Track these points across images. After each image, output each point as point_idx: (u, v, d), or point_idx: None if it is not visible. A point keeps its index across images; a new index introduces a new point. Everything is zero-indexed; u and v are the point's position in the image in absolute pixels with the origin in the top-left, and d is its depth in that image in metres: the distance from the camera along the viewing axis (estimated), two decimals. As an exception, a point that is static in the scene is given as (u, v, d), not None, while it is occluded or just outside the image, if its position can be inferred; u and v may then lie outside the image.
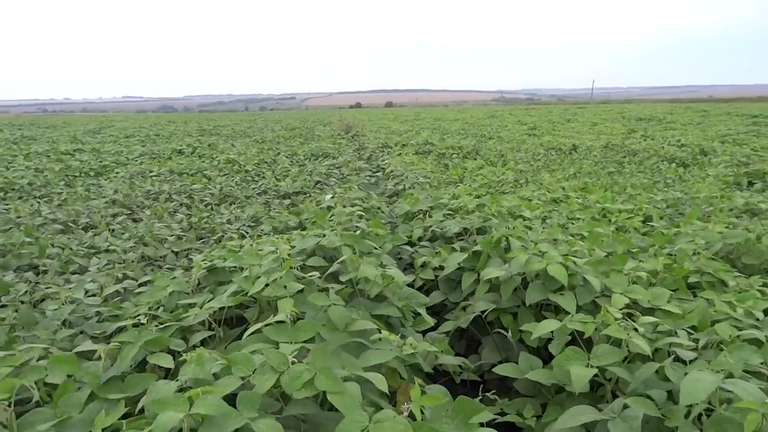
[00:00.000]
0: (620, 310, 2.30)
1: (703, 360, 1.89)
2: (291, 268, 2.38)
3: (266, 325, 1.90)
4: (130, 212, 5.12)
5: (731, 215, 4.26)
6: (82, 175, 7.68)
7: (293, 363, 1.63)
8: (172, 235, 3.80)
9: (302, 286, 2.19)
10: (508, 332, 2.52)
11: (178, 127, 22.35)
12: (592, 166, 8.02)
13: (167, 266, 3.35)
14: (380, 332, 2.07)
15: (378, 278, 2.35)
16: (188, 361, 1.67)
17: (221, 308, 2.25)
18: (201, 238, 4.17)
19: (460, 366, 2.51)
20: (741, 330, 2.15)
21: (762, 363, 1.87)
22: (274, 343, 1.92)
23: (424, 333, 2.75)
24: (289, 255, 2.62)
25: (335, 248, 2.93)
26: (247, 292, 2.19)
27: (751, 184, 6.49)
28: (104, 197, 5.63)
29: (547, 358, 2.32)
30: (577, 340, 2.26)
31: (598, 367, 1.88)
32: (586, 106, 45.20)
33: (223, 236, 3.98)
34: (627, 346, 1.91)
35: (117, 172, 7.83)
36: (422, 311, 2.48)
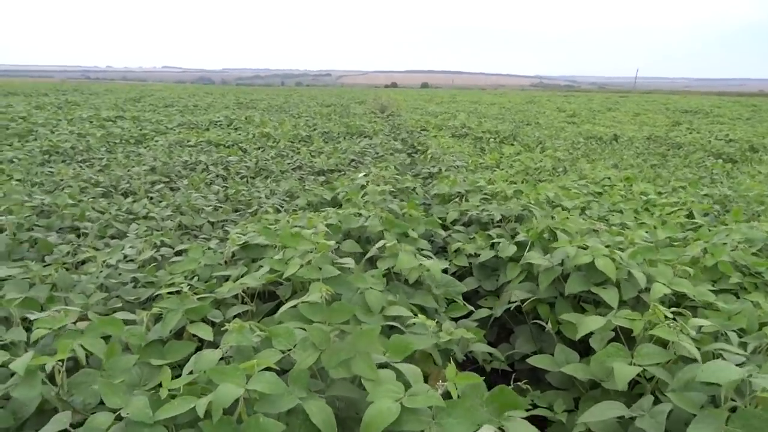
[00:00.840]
0: (663, 304, 2.22)
1: (752, 364, 1.80)
2: (326, 250, 2.37)
3: (301, 303, 1.90)
4: (168, 180, 5.20)
5: (783, 216, 4.06)
6: (123, 141, 7.83)
7: (334, 342, 1.62)
8: (209, 206, 3.83)
9: (338, 272, 2.17)
10: (547, 323, 2.47)
11: (215, 99, 22.58)
12: (634, 157, 7.76)
13: (203, 236, 3.38)
14: (416, 317, 2.05)
15: (415, 269, 2.32)
16: (229, 330, 1.68)
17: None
18: (237, 210, 4.20)
19: (490, 354, 2.47)
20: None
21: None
22: (308, 321, 1.91)
23: (456, 320, 2.72)
24: (324, 238, 2.61)
25: (376, 233, 2.91)
26: (281, 273, 2.18)
27: (804, 184, 6.18)
28: (144, 165, 5.73)
29: (582, 352, 2.26)
30: (619, 336, 2.20)
31: (640, 366, 1.82)
32: (629, 96, 43.77)
33: (258, 209, 4.00)
34: (674, 348, 1.83)
35: (156, 141, 7.96)
36: (458, 299, 2.44)
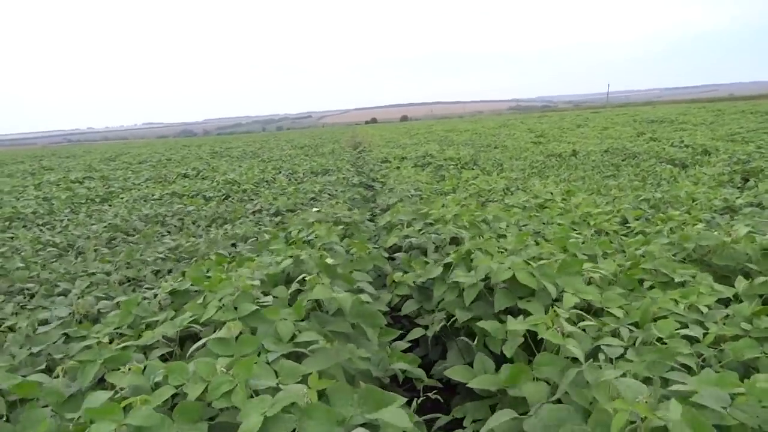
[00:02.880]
0: (570, 310, 2.35)
1: (630, 356, 1.92)
2: (249, 290, 2.48)
3: (210, 339, 2.00)
4: (126, 236, 5.31)
5: (710, 213, 4.24)
6: (88, 201, 7.95)
7: (221, 373, 1.72)
8: (156, 258, 3.94)
9: (255, 307, 2.28)
10: (474, 340, 2.58)
11: (191, 151, 22.85)
12: (588, 170, 8.00)
13: (147, 286, 3.48)
14: (325, 341, 2.15)
15: (332, 300, 2.44)
16: (126, 372, 1.77)
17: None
18: (185, 259, 4.31)
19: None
20: (682, 326, 2.18)
21: (693, 356, 1.90)
22: (217, 356, 2.01)
23: (391, 342, 2.81)
24: (250, 281, 2.72)
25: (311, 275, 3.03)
26: (200, 317, 2.29)
27: (745, 181, 6.41)
28: (103, 222, 5.84)
29: (509, 359, 2.36)
30: (527, 339, 2.31)
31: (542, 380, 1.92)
32: (602, 111, 44.84)
33: (205, 256, 4.11)
34: (564, 353, 1.95)
35: (122, 198, 8.09)
36: (370, 331, 2.53)
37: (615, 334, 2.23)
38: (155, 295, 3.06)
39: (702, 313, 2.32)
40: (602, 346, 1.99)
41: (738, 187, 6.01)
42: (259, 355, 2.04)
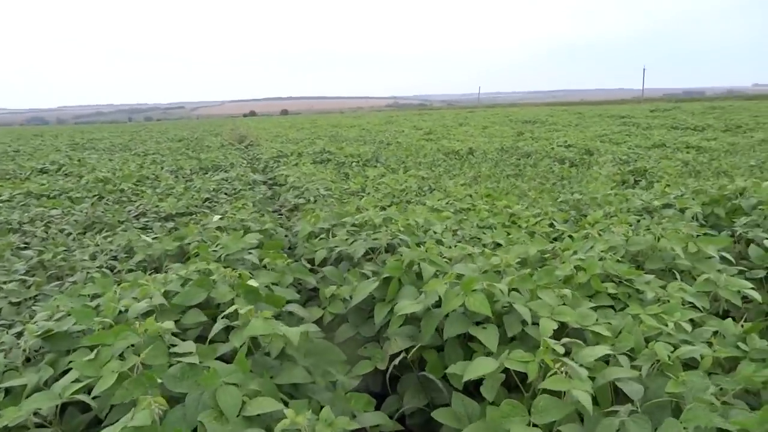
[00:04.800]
0: (553, 336, 2.06)
1: (662, 405, 1.66)
2: (160, 337, 1.85)
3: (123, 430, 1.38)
4: (-36, 250, 4.15)
5: (630, 214, 4.30)
6: None
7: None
8: (12, 281, 3.02)
9: (179, 370, 1.66)
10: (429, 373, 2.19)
11: (44, 142, 19.94)
12: (490, 169, 8.07)
13: (1, 323, 2.62)
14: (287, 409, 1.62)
15: (275, 338, 1.90)
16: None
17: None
18: (58, 279, 3.42)
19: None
20: (676, 347, 1.99)
21: (719, 388, 1.69)
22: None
23: (333, 383, 2.34)
24: (159, 312, 2.08)
25: (227, 303, 2.42)
26: (92, 384, 1.63)
27: (636, 182, 6.82)
28: (-70, 233, 4.56)
29: (480, 398, 2.01)
30: (511, 377, 1.98)
31: (541, 427, 1.58)
32: (476, 110, 47.28)
33: (86, 276, 3.27)
34: (569, 398, 1.64)
35: (-45, 199, 6.54)
36: (333, 370, 2.05)
37: (608, 362, 1.98)
38: (18, 337, 2.26)
39: (687, 331, 2.15)
40: (619, 384, 1.71)
41: (633, 186, 6.34)
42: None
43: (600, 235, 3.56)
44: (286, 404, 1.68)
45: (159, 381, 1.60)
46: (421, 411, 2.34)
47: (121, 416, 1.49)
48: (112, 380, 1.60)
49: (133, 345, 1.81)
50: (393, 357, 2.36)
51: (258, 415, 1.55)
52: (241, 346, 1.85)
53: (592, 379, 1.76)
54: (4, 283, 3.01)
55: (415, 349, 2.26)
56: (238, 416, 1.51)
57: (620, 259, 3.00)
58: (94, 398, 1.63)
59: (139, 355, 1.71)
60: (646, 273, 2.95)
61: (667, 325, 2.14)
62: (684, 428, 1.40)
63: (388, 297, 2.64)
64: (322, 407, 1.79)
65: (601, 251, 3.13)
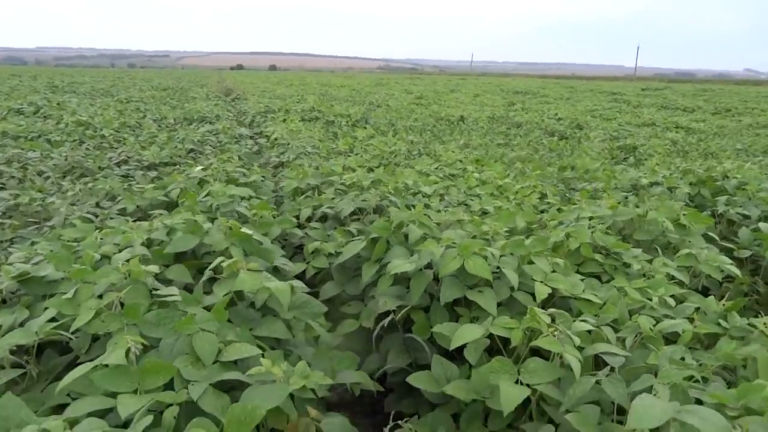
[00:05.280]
0: (540, 304, 2.07)
1: (639, 371, 1.67)
2: (141, 280, 1.80)
3: (96, 368, 1.35)
4: (-64, 188, 4.01)
5: (618, 191, 4.31)
6: None
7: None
8: (-13, 222, 2.92)
9: (149, 310, 1.63)
10: (416, 334, 2.19)
11: (23, 82, 19.24)
12: (481, 137, 8.01)
13: (-24, 265, 2.53)
14: (263, 358, 1.60)
15: (261, 291, 1.86)
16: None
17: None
18: (36, 223, 3.32)
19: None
20: (658, 321, 2.02)
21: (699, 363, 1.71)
22: (110, 394, 1.38)
23: (317, 338, 2.34)
24: (143, 260, 2.03)
25: (222, 250, 2.36)
26: (70, 321, 1.59)
27: (625, 158, 6.83)
28: None
29: (458, 358, 2.02)
30: (495, 342, 1.98)
31: (529, 386, 1.60)
32: (467, 78, 46.76)
33: (64, 221, 3.18)
34: (561, 359, 1.64)
35: (-73, 136, 6.27)
36: (316, 325, 2.04)
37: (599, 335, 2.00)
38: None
39: (671, 306, 2.18)
40: (603, 354, 1.72)
41: (622, 162, 6.35)
42: (172, 388, 1.44)
43: (585, 205, 3.56)
44: (263, 351, 1.66)
45: (134, 323, 1.57)
46: (403, 369, 2.35)
47: (99, 355, 1.46)
48: (89, 316, 1.57)
49: (113, 284, 1.77)
50: (381, 316, 2.35)
51: (235, 362, 1.54)
52: (224, 296, 1.82)
53: (581, 350, 1.77)
54: (-21, 223, 2.92)
55: (405, 310, 2.25)
56: (214, 363, 1.49)
57: (608, 230, 3.00)
58: (73, 334, 1.59)
59: (111, 306, 1.67)
60: (633, 245, 2.98)
61: (651, 300, 2.16)
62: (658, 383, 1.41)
63: (375, 256, 2.61)
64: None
65: (589, 220, 3.15)
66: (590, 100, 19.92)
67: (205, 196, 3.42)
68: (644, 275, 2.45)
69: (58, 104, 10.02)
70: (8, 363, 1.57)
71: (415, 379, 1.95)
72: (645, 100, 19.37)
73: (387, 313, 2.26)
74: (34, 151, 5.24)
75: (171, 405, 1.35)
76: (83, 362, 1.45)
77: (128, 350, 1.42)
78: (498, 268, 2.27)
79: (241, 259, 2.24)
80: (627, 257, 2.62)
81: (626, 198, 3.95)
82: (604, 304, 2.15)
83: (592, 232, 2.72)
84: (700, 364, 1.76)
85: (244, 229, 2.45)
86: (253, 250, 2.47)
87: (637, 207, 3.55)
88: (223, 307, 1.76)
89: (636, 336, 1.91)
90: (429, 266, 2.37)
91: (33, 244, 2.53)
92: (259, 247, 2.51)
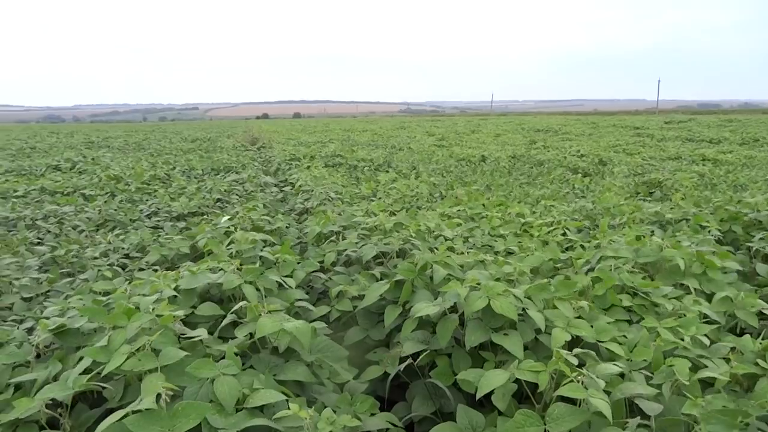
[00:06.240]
0: (563, 348, 2.02)
1: (677, 423, 1.62)
2: (170, 324, 1.85)
3: (127, 415, 1.38)
4: (-21, 244, 4.19)
5: (643, 225, 4.24)
6: (-76, 198, 6.39)
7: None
8: (24, 277, 3.03)
9: (183, 353, 1.67)
10: (438, 379, 2.16)
11: (60, 139, 20.19)
12: (504, 177, 8.03)
13: (13, 317, 2.63)
14: (288, 404, 1.61)
15: (282, 333, 1.88)
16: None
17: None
18: (70, 275, 3.43)
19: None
20: (692, 362, 1.95)
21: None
22: (140, 440, 1.40)
23: (342, 385, 2.33)
24: (169, 304, 2.08)
25: (233, 289, 2.42)
26: (101, 371, 1.63)
27: (650, 193, 6.74)
28: (-53, 226, 4.61)
29: (489, 406, 1.98)
30: (522, 387, 1.94)
31: (556, 435, 1.55)
32: (488, 118, 47.24)
33: (96, 273, 3.28)
34: (586, 405, 1.60)
35: (-28, 193, 6.61)
36: (339, 368, 2.04)
37: (625, 378, 1.94)
38: (29, 333, 2.27)
39: (705, 346, 2.11)
40: (636, 401, 1.67)
41: (647, 199, 6.26)
42: (200, 432, 1.46)
43: (611, 243, 3.51)
44: (287, 397, 1.67)
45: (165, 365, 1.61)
46: (430, 419, 2.31)
47: (131, 402, 1.50)
48: (122, 360, 1.61)
49: (144, 329, 1.83)
50: (401, 361, 2.34)
51: (261, 409, 1.55)
52: (249, 340, 1.85)
53: (608, 393, 1.72)
54: (16, 279, 3.03)
55: (425, 353, 2.23)
56: (241, 410, 1.50)
57: (633, 269, 2.94)
58: (105, 384, 1.63)
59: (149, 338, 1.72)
60: (656, 279, 2.91)
61: (683, 339, 2.10)
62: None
63: (402, 299, 2.62)
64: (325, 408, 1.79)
65: (613, 261, 3.09)
66: (613, 135, 19.84)
67: (229, 245, 3.49)
68: (675, 314, 2.38)
69: (93, 159, 10.46)
70: (44, 415, 1.61)
71: (440, 431, 1.91)
72: (669, 134, 19.19)
73: (407, 359, 2.24)
74: (70, 205, 5.46)
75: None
76: (115, 411, 1.49)
77: (158, 396, 1.46)
78: (523, 309, 2.25)
79: (255, 298, 2.28)
80: (656, 296, 2.56)
81: (652, 233, 3.88)
82: (635, 346, 2.10)
83: (618, 273, 2.66)
84: (743, 412, 1.69)
85: (270, 276, 2.50)
86: (269, 286, 2.51)
87: (660, 246, 3.48)
88: (233, 353, 1.78)
89: (672, 382, 1.84)
90: (453, 309, 2.36)
91: (67, 297, 2.62)
92: (277, 288, 2.54)
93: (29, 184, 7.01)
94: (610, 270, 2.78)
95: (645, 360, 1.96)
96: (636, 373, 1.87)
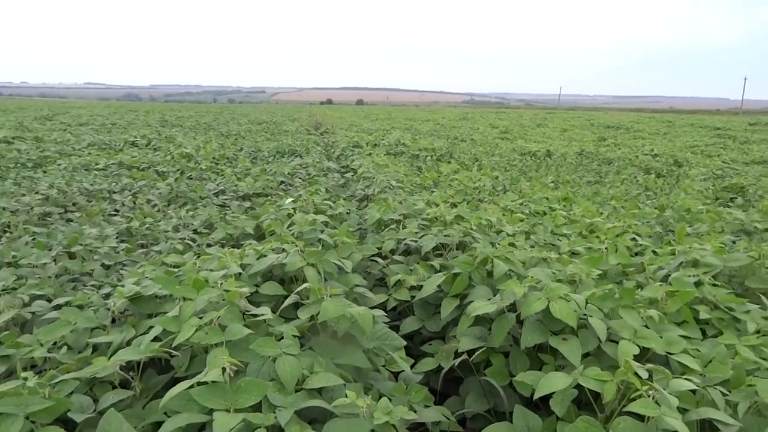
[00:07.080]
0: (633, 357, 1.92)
1: None
2: (235, 301, 1.91)
3: (194, 385, 1.44)
4: (63, 211, 4.50)
5: (725, 234, 3.97)
6: (18, 166, 6.92)
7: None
8: (104, 245, 3.22)
9: (248, 331, 1.72)
10: (493, 378, 2.12)
11: (138, 117, 21.31)
12: (570, 174, 7.75)
13: (93, 283, 2.80)
14: (345, 388, 1.63)
15: (343, 318, 1.90)
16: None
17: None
18: (143, 246, 3.62)
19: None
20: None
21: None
22: (205, 410, 1.45)
23: (396, 374, 2.33)
24: (235, 281, 2.15)
25: (296, 270, 2.46)
26: (172, 340, 1.70)
27: (731, 199, 6.30)
28: (36, 193, 4.97)
29: (544, 410, 1.92)
30: (584, 394, 1.87)
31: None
32: (555, 112, 45.75)
33: (168, 246, 3.44)
34: (655, 423, 1.51)
35: (59, 164, 7.10)
36: (397, 356, 2.03)
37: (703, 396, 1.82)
38: (106, 299, 2.41)
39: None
40: (717, 423, 1.56)
41: (728, 204, 5.87)
42: (260, 410, 1.50)
43: (690, 249, 3.30)
44: (345, 382, 1.68)
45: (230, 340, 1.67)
46: (482, 416, 2.28)
47: (196, 373, 1.56)
48: (191, 333, 1.67)
49: (211, 302, 1.89)
50: (456, 356, 2.31)
51: (319, 391, 1.57)
52: (309, 322, 1.88)
53: (681, 410, 1.62)
54: (98, 248, 3.22)
55: (480, 350, 2.19)
56: (299, 390, 1.53)
57: (715, 281, 2.74)
58: (174, 351, 1.71)
59: (210, 323, 1.78)
60: (742, 294, 2.70)
61: (766, 360, 1.95)
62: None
63: (453, 291, 2.58)
64: (381, 396, 1.79)
65: (695, 271, 2.88)
66: (690, 135, 18.71)
67: (290, 227, 3.56)
68: (758, 332, 2.21)
69: (166, 137, 10.97)
70: (117, 379, 1.70)
71: (495, 430, 1.87)
72: (754, 136, 17.87)
73: (462, 355, 2.21)
74: (144, 180, 5.75)
75: (259, 427, 1.40)
76: (181, 380, 1.55)
77: (224, 369, 1.51)
78: (585, 315, 2.15)
79: (317, 281, 2.31)
80: (739, 312, 2.38)
81: (734, 243, 3.63)
82: (710, 361, 1.97)
83: (698, 285, 2.49)
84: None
85: (330, 257, 2.53)
86: (329, 269, 2.54)
87: (747, 249, 3.24)
88: (305, 328, 1.81)
89: (752, 404, 1.71)
90: (512, 307, 2.30)
91: (141, 267, 2.76)
92: (336, 271, 2.57)
93: (109, 158, 7.44)
94: (689, 278, 2.60)
95: (720, 376, 1.83)
96: (712, 390, 1.75)
